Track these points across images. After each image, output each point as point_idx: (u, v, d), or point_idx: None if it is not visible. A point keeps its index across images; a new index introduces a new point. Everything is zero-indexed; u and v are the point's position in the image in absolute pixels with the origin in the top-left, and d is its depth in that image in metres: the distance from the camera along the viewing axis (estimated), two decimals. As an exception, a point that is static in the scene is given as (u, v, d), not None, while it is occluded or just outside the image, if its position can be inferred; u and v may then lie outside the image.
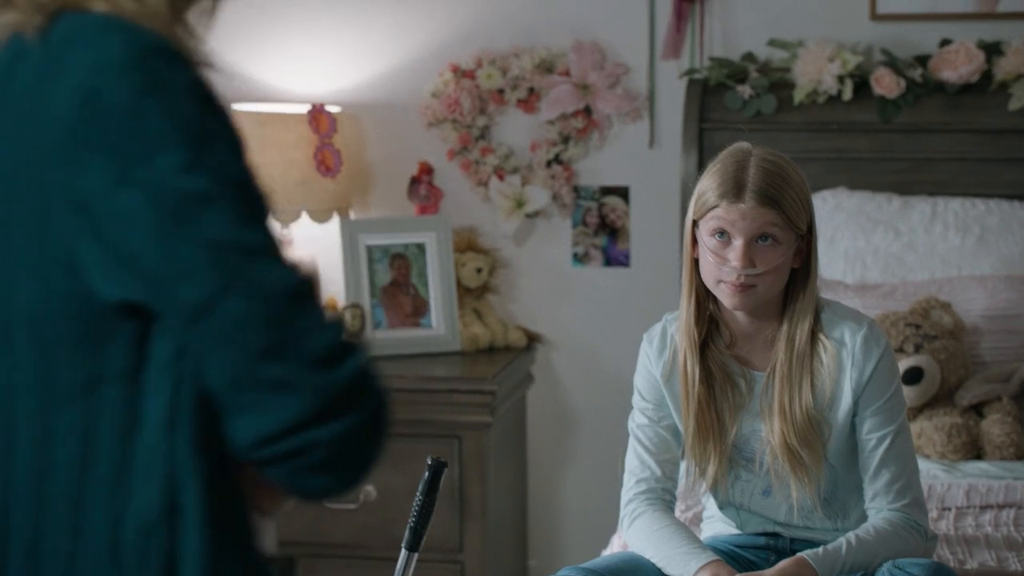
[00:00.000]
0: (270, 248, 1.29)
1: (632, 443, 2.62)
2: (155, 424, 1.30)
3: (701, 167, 3.61)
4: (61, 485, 1.31)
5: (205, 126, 1.29)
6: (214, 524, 1.31)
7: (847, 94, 3.80)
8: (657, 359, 2.58)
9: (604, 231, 4.09)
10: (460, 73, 4.05)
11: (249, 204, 1.29)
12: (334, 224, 3.99)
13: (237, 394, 1.28)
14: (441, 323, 3.95)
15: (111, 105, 1.27)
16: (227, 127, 1.31)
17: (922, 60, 3.82)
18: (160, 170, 1.26)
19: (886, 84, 3.78)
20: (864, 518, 2.55)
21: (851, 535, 2.47)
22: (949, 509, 3.04)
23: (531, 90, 4.04)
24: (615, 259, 4.09)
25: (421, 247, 3.97)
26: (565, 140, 4.05)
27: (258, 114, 3.93)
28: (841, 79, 3.80)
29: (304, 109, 3.95)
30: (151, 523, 1.30)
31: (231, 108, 1.34)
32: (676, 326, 2.57)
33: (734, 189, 2.44)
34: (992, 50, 3.78)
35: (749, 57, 3.92)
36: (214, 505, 1.31)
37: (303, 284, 1.30)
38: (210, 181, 1.27)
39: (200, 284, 1.26)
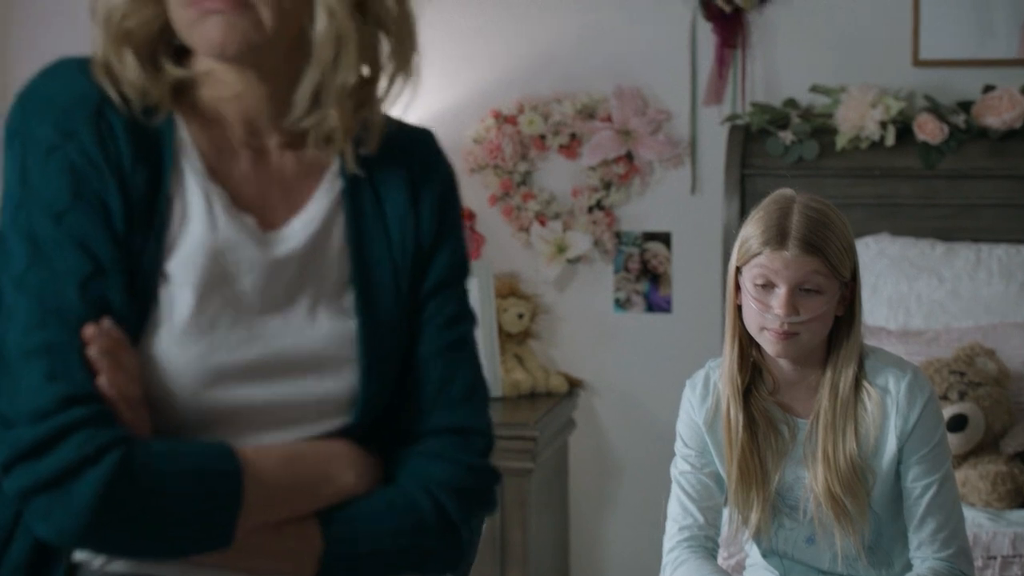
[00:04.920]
0: (21, 311, 1.31)
1: (675, 490, 2.61)
2: None
3: (743, 213, 3.60)
4: None
5: (35, 180, 1.34)
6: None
7: (890, 140, 3.80)
8: (700, 406, 2.57)
9: (646, 277, 4.08)
10: (502, 119, 4.07)
11: (25, 264, 1.33)
12: (376, 269, 4.00)
13: None
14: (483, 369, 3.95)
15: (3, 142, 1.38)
16: (51, 186, 1.34)
17: (965, 106, 3.81)
18: (3, 212, 1.36)
19: (929, 130, 3.77)
20: (909, 567, 2.53)
21: (896, 584, 2.46)
22: (995, 558, 3.01)
23: (573, 136, 4.05)
24: (657, 305, 4.09)
25: (463, 292, 3.98)
26: (607, 186, 4.05)
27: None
28: (884, 125, 3.79)
29: (347, 155, 3.96)
30: None
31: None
32: (719, 373, 2.56)
33: (777, 237, 2.43)
34: (1035, 96, 3.78)
35: (791, 103, 3.92)
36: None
37: (50, 345, 1.30)
38: (11, 235, 1.34)
39: None
